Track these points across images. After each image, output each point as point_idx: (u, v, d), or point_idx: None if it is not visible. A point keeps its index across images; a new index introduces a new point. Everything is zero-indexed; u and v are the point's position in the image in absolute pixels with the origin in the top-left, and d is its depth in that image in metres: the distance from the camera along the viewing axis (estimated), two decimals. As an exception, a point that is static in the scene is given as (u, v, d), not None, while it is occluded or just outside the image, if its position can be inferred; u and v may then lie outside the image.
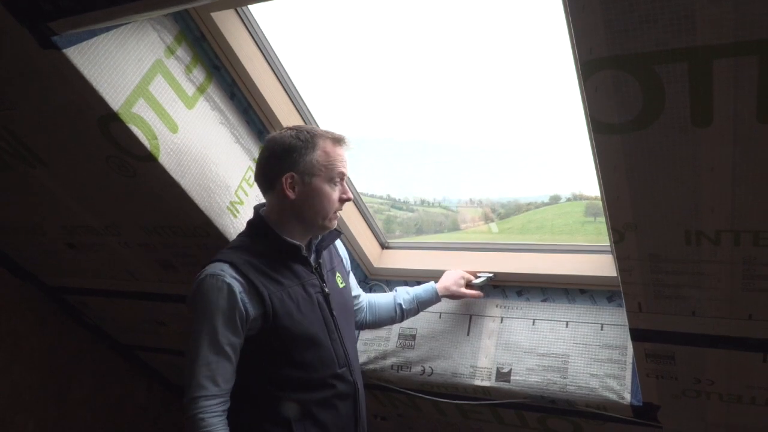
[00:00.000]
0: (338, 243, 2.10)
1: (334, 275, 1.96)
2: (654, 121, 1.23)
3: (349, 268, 2.15)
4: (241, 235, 1.88)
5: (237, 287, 1.65)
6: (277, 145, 1.78)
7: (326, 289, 1.86)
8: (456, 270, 2.31)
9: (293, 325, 1.72)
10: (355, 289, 2.19)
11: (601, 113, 1.27)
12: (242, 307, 1.65)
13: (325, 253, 1.93)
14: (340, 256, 2.08)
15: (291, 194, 1.76)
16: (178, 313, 2.73)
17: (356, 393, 1.89)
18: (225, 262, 1.70)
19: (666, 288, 1.62)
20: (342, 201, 1.83)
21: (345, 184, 1.84)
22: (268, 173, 1.80)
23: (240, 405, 1.71)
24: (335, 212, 1.82)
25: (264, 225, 1.80)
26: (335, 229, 1.91)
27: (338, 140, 1.81)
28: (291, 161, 1.76)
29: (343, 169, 1.80)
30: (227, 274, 1.66)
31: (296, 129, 1.81)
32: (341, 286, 1.97)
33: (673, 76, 1.15)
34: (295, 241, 1.79)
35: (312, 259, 1.87)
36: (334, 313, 1.86)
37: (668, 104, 1.20)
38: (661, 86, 1.17)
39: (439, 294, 2.26)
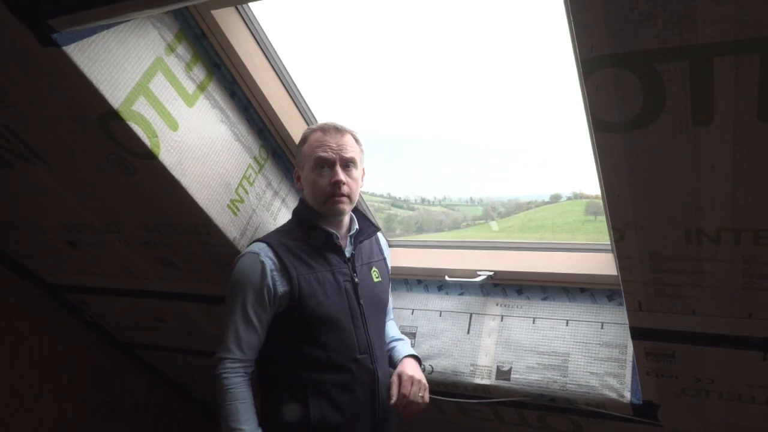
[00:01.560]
0: (383, 243, 2.21)
1: (370, 269, 2.03)
2: (654, 119, 1.23)
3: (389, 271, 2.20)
4: (288, 221, 2.04)
5: (269, 265, 1.81)
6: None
7: (356, 279, 1.94)
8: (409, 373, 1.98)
9: (317, 306, 1.83)
10: None
11: (601, 111, 1.27)
12: (271, 285, 1.80)
13: (365, 248, 2.03)
14: (382, 254, 2.16)
15: (300, 187, 1.98)
16: (178, 311, 2.73)
17: (375, 382, 1.93)
18: (264, 242, 1.88)
19: (666, 287, 1.62)
20: (333, 185, 1.87)
21: (337, 168, 1.87)
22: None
23: (265, 374, 1.90)
24: (330, 197, 1.88)
25: (304, 213, 1.95)
26: (374, 226, 2.07)
27: (325, 127, 1.92)
28: (296, 160, 2.01)
29: (322, 154, 1.87)
30: (263, 252, 1.83)
31: (308, 127, 2.02)
32: (376, 280, 2.04)
33: (674, 75, 1.15)
34: (328, 228, 1.91)
35: (347, 250, 1.96)
36: (362, 302, 1.93)
37: (669, 102, 1.19)
38: (662, 84, 1.17)
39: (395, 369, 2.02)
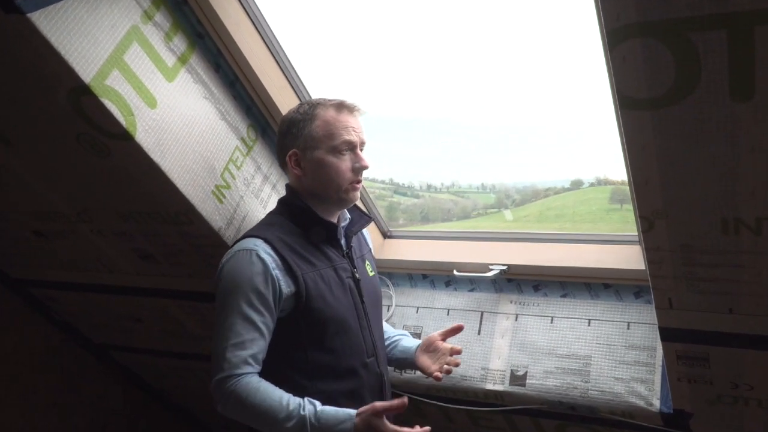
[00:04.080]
0: (366, 234, 2.19)
1: (364, 263, 2.04)
2: (688, 95, 1.23)
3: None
4: (271, 213, 1.98)
5: (271, 263, 1.74)
6: (282, 124, 1.94)
7: (357, 275, 1.94)
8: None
9: (325, 308, 1.80)
10: None
11: (628, 87, 1.27)
12: (276, 285, 1.74)
13: (354, 240, 2.02)
14: (369, 246, 2.16)
15: (299, 172, 1.88)
16: (158, 309, 2.74)
17: (383, 386, 1.96)
18: (259, 237, 1.80)
19: (700, 282, 1.62)
20: (356, 171, 1.87)
21: (359, 152, 1.89)
22: (279, 154, 1.96)
23: None
24: (351, 183, 1.88)
25: (298, 202, 1.89)
26: (366, 215, 2.05)
27: (341, 106, 1.87)
28: (292, 137, 1.88)
29: (348, 137, 1.85)
30: (261, 249, 1.76)
31: (302, 103, 1.94)
32: (371, 274, 2.06)
33: (710, 45, 1.14)
34: (331, 220, 1.90)
35: (342, 243, 1.96)
36: (364, 299, 1.94)
37: (704, 76, 1.19)
38: (697, 56, 1.17)
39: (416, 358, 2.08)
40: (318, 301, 1.79)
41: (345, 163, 1.86)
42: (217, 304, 1.78)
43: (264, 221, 1.95)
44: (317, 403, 1.71)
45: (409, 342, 2.14)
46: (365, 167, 1.88)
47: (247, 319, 1.71)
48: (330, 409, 1.70)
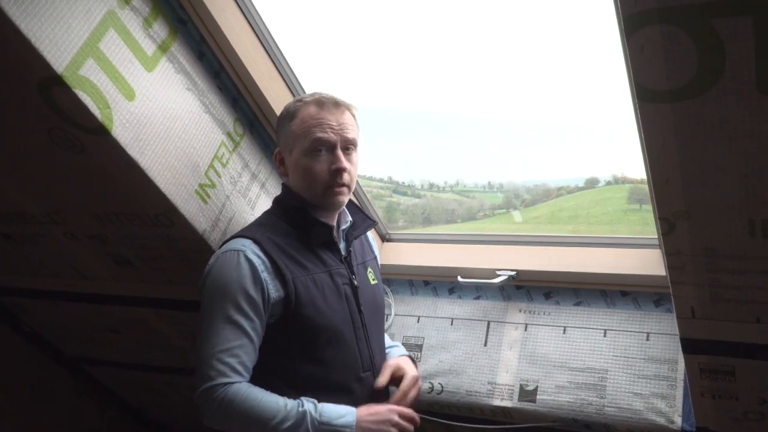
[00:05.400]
0: (372, 240, 2.21)
1: (366, 269, 2.05)
2: (711, 86, 1.23)
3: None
4: (266, 212, 2.00)
5: (259, 265, 1.77)
6: (277, 120, 1.99)
7: (355, 282, 1.95)
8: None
9: (316, 315, 1.82)
10: None
11: (647, 78, 1.27)
12: (264, 288, 1.76)
13: (356, 245, 2.04)
14: (374, 253, 2.17)
15: (283, 171, 1.94)
16: (136, 319, 2.74)
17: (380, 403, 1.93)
18: (248, 237, 1.83)
19: (725, 289, 1.63)
20: (333, 173, 1.85)
21: (338, 152, 1.86)
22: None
23: None
24: (330, 187, 1.86)
25: (293, 202, 1.91)
26: (369, 219, 2.06)
27: (322, 102, 1.87)
28: (278, 135, 1.96)
29: (321, 135, 1.84)
30: (249, 250, 1.79)
31: (296, 97, 1.98)
32: (373, 282, 2.06)
33: (735, 32, 1.15)
34: (326, 221, 1.90)
35: (341, 247, 1.97)
36: (362, 309, 1.95)
37: (729, 66, 1.19)
38: (721, 44, 1.17)
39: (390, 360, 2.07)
40: (308, 307, 1.80)
41: (320, 164, 1.85)
42: (202, 308, 1.80)
43: (257, 221, 1.98)
44: (314, 400, 1.76)
45: (397, 352, 2.13)
46: (340, 169, 1.85)
47: (235, 324, 1.73)
48: (329, 405, 1.77)
